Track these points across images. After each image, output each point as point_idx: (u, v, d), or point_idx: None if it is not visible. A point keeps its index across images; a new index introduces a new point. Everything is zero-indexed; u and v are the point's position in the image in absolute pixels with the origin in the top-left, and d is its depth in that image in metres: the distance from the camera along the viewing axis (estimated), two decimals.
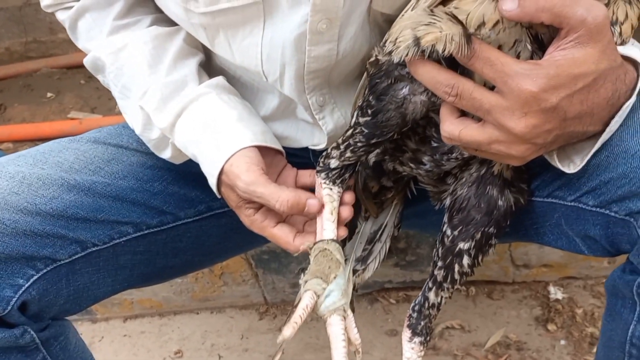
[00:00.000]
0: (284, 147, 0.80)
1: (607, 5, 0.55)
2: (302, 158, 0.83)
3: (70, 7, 0.76)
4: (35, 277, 0.66)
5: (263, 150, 0.70)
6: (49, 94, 1.80)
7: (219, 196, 0.71)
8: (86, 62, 0.78)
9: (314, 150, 0.81)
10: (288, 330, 0.59)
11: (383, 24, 0.67)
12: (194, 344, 1.35)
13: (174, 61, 0.72)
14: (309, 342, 1.32)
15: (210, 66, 0.78)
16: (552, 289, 1.35)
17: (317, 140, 0.78)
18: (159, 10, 0.76)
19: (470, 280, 1.38)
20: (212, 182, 0.69)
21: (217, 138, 0.68)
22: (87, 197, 0.70)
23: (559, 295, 1.33)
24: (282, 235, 0.69)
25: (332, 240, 0.69)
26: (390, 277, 1.36)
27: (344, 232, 0.70)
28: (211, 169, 0.68)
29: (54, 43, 1.97)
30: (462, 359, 1.24)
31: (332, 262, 0.66)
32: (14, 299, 0.64)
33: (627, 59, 0.56)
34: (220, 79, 0.74)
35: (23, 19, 1.96)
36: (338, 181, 0.71)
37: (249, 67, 0.69)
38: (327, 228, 0.69)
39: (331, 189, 0.71)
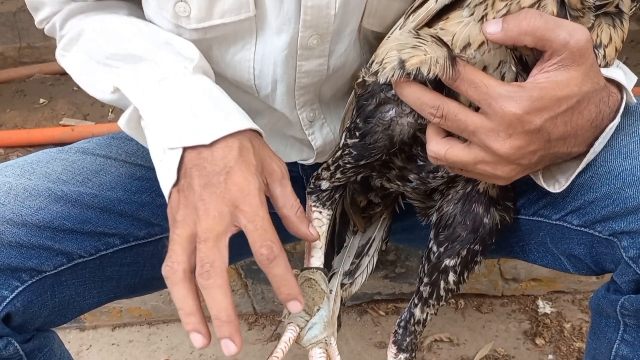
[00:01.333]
0: None
1: (591, 28, 0.56)
2: (291, 172, 0.83)
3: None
4: (20, 289, 0.65)
5: None
6: (41, 100, 1.80)
7: (210, 140, 0.57)
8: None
9: (303, 165, 0.81)
10: None
11: (374, 41, 0.67)
12: (183, 354, 1.35)
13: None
14: (298, 353, 1.32)
15: None
16: (540, 303, 1.35)
17: (305, 155, 0.78)
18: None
19: (459, 293, 1.38)
20: (229, 127, 0.58)
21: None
22: (74, 208, 0.70)
23: (548, 310, 1.33)
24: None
25: (318, 269, 0.69)
26: (380, 289, 1.36)
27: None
28: (237, 118, 0.59)
29: (48, 49, 1.96)
30: None
31: (317, 293, 0.67)
32: None
33: (610, 81, 0.57)
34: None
35: (17, 24, 1.96)
36: (328, 203, 0.72)
37: (241, 81, 0.69)
38: (315, 255, 0.70)
39: (321, 212, 0.72)
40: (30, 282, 0.66)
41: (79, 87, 1.93)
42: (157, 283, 0.83)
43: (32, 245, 0.66)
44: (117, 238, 0.73)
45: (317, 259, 0.70)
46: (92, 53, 0.69)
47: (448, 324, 1.34)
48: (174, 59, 0.64)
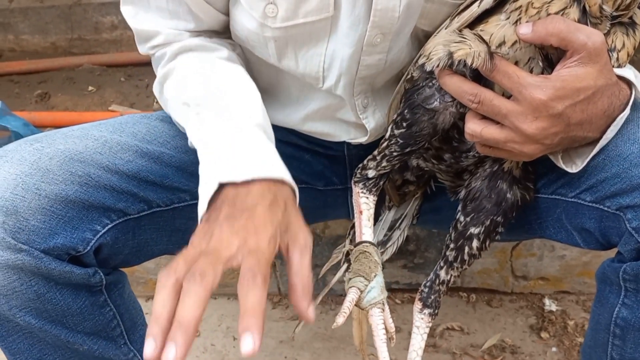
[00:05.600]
0: (324, 141, 0.91)
1: (607, 34, 0.67)
2: (337, 151, 0.94)
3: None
4: (109, 226, 0.76)
5: None
6: (90, 88, 1.93)
7: (242, 178, 0.62)
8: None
9: (349, 145, 0.92)
10: (340, 318, 0.70)
11: (423, 39, 0.79)
12: (211, 326, 1.45)
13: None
14: (318, 331, 1.41)
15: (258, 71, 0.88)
16: (547, 301, 1.45)
17: (353, 136, 0.89)
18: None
19: (471, 288, 1.48)
20: (265, 173, 0.63)
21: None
22: (156, 164, 0.81)
23: (553, 308, 1.43)
24: None
25: (371, 243, 0.79)
26: (398, 278, 1.46)
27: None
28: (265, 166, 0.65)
29: (97, 42, 2.11)
30: (460, 357, 1.33)
31: (372, 262, 0.76)
32: (92, 241, 0.74)
33: (622, 79, 0.68)
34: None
35: (71, 17, 2.10)
36: (374, 190, 0.82)
37: (309, 74, 0.80)
38: (366, 232, 0.80)
39: (367, 197, 0.82)
40: (117, 221, 0.77)
41: (125, 79, 2.08)
42: None
43: (121, 190, 0.77)
44: (187, 194, 0.84)
45: (368, 235, 0.80)
46: (177, 92, 0.78)
47: (460, 314, 1.43)
48: (242, 111, 0.72)
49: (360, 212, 0.82)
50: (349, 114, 0.86)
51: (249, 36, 0.80)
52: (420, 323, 0.82)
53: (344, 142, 0.91)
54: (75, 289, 0.75)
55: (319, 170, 0.97)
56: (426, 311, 0.82)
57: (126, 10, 0.81)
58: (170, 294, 0.53)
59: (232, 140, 0.68)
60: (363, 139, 0.88)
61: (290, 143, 0.94)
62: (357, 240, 0.81)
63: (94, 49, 2.11)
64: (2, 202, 0.68)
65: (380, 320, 0.73)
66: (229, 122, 0.70)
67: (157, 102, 1.82)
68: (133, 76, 1.97)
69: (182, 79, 0.79)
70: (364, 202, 0.82)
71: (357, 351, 0.88)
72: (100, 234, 0.75)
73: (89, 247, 0.74)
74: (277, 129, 0.89)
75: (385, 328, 0.74)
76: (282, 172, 0.65)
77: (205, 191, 0.63)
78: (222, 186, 0.62)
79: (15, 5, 2.12)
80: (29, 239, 0.69)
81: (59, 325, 0.75)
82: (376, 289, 0.74)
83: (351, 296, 0.73)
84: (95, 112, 1.73)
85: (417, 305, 0.83)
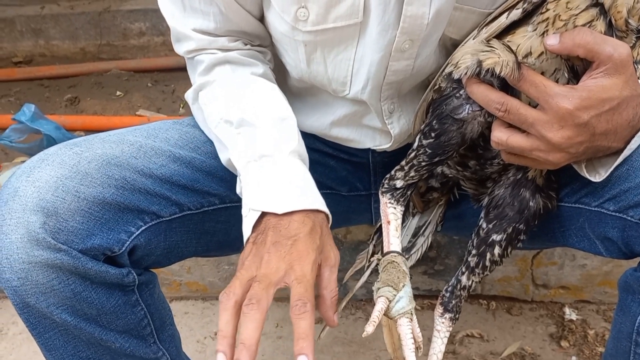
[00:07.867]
0: (349, 148, 0.93)
1: (632, 47, 0.68)
2: (361, 158, 0.96)
3: (212, 53, 0.84)
4: (143, 228, 0.79)
5: None
6: (118, 92, 1.97)
7: (284, 211, 0.69)
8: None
9: (373, 152, 0.94)
10: (369, 327, 0.71)
11: (450, 47, 0.80)
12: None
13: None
14: (338, 335, 1.43)
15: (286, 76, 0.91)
16: (567, 310, 1.44)
17: (378, 142, 0.91)
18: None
19: (491, 295, 1.48)
20: (305, 204, 0.70)
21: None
22: (188, 169, 0.83)
23: (574, 317, 1.43)
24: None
25: (399, 253, 0.80)
26: (418, 284, 1.47)
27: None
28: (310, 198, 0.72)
29: (125, 48, 2.16)
30: None
31: (400, 272, 0.77)
32: (127, 243, 0.77)
33: None
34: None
35: (100, 23, 2.16)
36: (401, 200, 0.83)
37: (337, 79, 0.82)
38: (394, 242, 0.81)
39: (395, 207, 0.83)
40: (151, 223, 0.80)
41: (152, 84, 2.13)
42: (238, 244, 0.96)
43: (155, 194, 0.80)
44: (217, 198, 0.87)
45: (396, 245, 0.81)
46: (218, 109, 0.80)
47: (479, 322, 1.44)
48: (278, 138, 0.77)
49: (388, 222, 0.82)
50: (375, 120, 0.88)
51: (282, 39, 0.82)
52: (441, 327, 0.83)
53: (368, 149, 0.93)
54: (109, 288, 0.77)
55: (343, 176, 0.99)
56: (447, 315, 0.84)
57: (164, 9, 0.85)
58: (232, 314, 0.64)
59: (272, 167, 0.74)
60: (387, 145, 0.90)
61: (316, 149, 0.96)
62: (385, 250, 0.81)
63: (122, 54, 2.17)
64: (43, 203, 0.72)
65: (408, 329, 0.74)
66: (269, 146, 0.76)
67: (182, 107, 1.86)
68: (160, 82, 2.02)
69: (223, 96, 0.82)
70: (391, 213, 0.83)
71: (392, 358, 0.88)
72: (135, 235, 0.78)
73: (123, 248, 0.76)
74: (303, 135, 0.92)
75: (413, 337, 0.75)
76: (318, 202, 0.72)
77: (250, 218, 0.71)
78: (264, 212, 0.70)
79: (47, 12, 2.19)
80: (67, 239, 0.72)
81: (93, 323, 0.78)
82: (404, 298, 0.75)
83: (380, 305, 0.74)
84: (123, 116, 1.78)
85: (438, 309, 0.84)
